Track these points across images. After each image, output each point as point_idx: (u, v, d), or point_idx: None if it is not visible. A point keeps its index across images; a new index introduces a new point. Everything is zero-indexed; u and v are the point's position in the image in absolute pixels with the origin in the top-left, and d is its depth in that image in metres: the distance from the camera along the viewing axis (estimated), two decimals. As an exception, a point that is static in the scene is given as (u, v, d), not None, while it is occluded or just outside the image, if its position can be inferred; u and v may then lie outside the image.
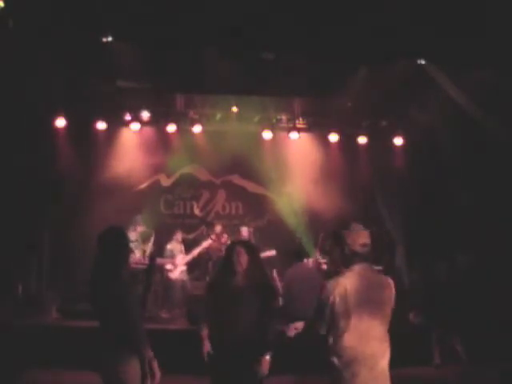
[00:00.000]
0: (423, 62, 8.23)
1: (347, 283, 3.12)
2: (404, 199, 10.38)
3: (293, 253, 6.60)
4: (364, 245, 3.24)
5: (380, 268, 8.37)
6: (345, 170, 10.63)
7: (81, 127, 9.92)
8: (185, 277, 9.23)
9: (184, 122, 10.37)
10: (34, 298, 9.04)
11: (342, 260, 3.24)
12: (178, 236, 9.48)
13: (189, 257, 9.25)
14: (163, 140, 10.55)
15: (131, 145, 10.59)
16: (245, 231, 9.61)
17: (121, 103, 10.06)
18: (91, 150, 10.16)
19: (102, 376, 3.49)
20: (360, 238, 3.27)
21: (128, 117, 10.20)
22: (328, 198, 10.28)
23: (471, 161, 9.05)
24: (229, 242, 9.31)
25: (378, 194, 10.71)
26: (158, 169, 10.83)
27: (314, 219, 10.21)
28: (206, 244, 9.26)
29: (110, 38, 7.69)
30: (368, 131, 10.67)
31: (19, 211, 8.98)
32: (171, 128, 10.27)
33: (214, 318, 4.20)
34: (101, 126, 10.08)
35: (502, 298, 7.89)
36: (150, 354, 3.49)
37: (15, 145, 8.75)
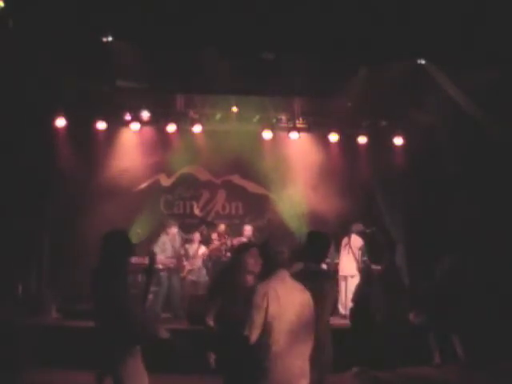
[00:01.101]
0: (423, 61, 8.23)
1: (277, 287, 3.33)
2: (404, 199, 10.37)
3: (293, 253, 6.59)
4: (281, 252, 3.49)
5: (380, 268, 8.38)
6: (345, 169, 10.62)
7: (81, 127, 9.91)
8: (195, 277, 9.22)
9: (184, 122, 10.36)
10: (34, 297, 9.05)
11: (266, 266, 3.54)
12: (195, 237, 9.51)
13: (194, 258, 9.27)
14: (163, 140, 10.54)
15: (131, 145, 10.58)
16: (248, 230, 9.63)
17: (121, 103, 10.04)
18: (91, 149, 10.15)
19: (109, 376, 3.52)
20: (277, 246, 3.55)
21: (128, 117, 10.19)
22: (328, 197, 10.27)
23: (471, 161, 9.05)
24: (229, 243, 9.33)
25: (378, 194, 10.70)
26: (158, 169, 10.83)
27: (314, 219, 10.20)
28: (212, 247, 9.34)
29: (110, 38, 7.69)
30: (368, 131, 10.66)
31: (19, 211, 8.98)
32: (171, 128, 10.26)
33: (221, 317, 4.21)
34: (101, 125, 10.06)
35: (502, 298, 7.89)
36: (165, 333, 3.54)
37: (15, 145, 8.76)
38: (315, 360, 3.72)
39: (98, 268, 3.70)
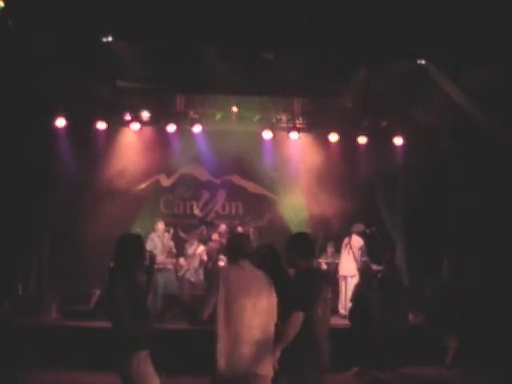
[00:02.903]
0: (423, 61, 8.22)
1: (232, 273, 3.59)
2: (404, 199, 10.38)
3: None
4: (243, 244, 3.84)
5: (380, 268, 8.39)
6: (345, 170, 10.62)
7: (81, 127, 9.91)
8: (192, 277, 9.21)
9: (184, 122, 10.36)
10: (34, 297, 9.05)
11: (228, 256, 3.95)
12: (194, 236, 9.51)
13: (192, 257, 9.25)
14: (163, 140, 10.54)
15: (131, 145, 10.58)
16: (222, 227, 9.65)
17: (121, 103, 10.05)
18: (91, 149, 10.15)
19: (119, 376, 3.58)
20: (239, 239, 4.01)
21: (128, 117, 10.19)
22: (328, 197, 10.27)
23: (471, 161, 9.05)
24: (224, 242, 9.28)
25: (378, 194, 10.71)
26: (158, 169, 10.83)
27: (313, 219, 10.21)
28: (205, 248, 9.30)
29: (110, 38, 7.68)
30: (368, 131, 10.66)
31: (19, 211, 8.98)
32: (171, 128, 10.26)
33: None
34: (101, 125, 10.07)
35: (502, 298, 7.89)
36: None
37: (15, 145, 8.76)
38: (314, 361, 3.74)
39: (112, 270, 3.81)
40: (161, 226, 9.34)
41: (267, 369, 3.49)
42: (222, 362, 3.38)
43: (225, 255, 4.04)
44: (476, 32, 7.03)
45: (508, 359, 7.00)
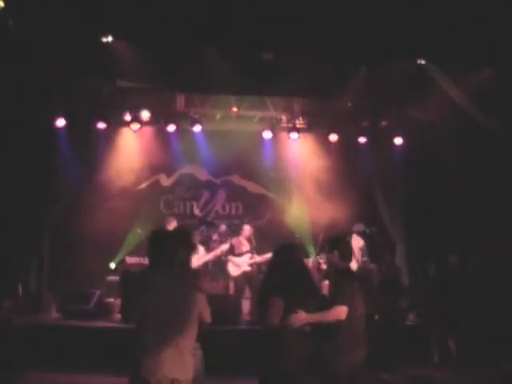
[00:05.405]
0: (423, 61, 8.23)
1: (151, 279, 3.51)
2: (404, 199, 10.37)
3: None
4: (168, 247, 3.65)
5: (380, 268, 8.39)
6: (345, 170, 10.62)
7: (81, 127, 9.92)
8: None
9: (184, 122, 10.36)
10: (34, 297, 9.05)
11: (153, 259, 3.69)
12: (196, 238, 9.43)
13: (202, 260, 9.17)
14: (163, 140, 10.54)
15: (131, 145, 10.59)
16: (247, 230, 9.53)
17: (121, 103, 10.05)
18: (91, 149, 10.15)
19: None
20: (164, 240, 3.76)
21: (128, 117, 10.18)
22: (328, 198, 10.27)
23: (471, 161, 9.05)
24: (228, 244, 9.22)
25: (378, 194, 10.71)
26: (158, 169, 10.82)
27: (313, 219, 10.20)
28: (224, 247, 9.19)
29: (109, 38, 7.68)
30: (368, 131, 10.66)
31: (19, 211, 8.98)
32: (171, 128, 10.27)
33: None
34: (101, 125, 10.07)
35: (502, 298, 7.89)
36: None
37: (15, 144, 8.76)
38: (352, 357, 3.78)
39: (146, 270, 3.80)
40: (173, 225, 9.26)
41: (186, 373, 3.42)
42: (143, 364, 3.30)
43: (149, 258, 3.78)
44: (476, 32, 7.04)
45: (507, 358, 7.01)
